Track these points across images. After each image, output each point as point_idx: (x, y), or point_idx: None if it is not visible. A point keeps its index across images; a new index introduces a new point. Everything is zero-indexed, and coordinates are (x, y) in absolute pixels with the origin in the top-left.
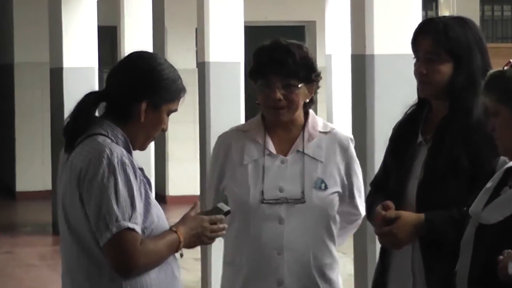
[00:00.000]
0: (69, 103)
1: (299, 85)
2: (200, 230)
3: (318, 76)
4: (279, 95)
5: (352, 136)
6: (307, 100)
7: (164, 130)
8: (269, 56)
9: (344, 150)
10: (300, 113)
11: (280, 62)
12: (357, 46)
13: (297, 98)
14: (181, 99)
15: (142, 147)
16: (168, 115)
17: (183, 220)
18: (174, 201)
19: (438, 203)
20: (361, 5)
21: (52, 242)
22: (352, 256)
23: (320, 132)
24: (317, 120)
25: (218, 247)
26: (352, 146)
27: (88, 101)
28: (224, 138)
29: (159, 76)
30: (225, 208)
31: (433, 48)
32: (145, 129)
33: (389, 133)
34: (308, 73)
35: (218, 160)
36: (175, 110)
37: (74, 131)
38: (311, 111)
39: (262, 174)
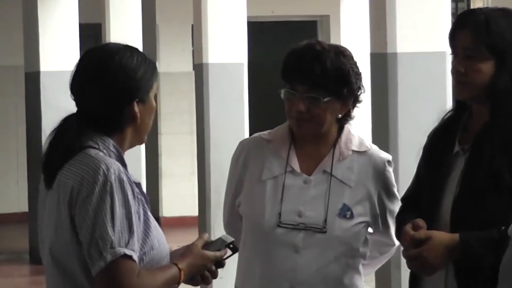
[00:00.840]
0: (47, 113)
1: (326, 99)
2: (202, 269)
3: (354, 91)
4: (301, 106)
5: (390, 158)
6: (340, 115)
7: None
8: (296, 62)
9: (379, 174)
10: (331, 128)
11: (306, 70)
12: (377, 43)
13: (322, 113)
14: (158, 74)
15: (143, 141)
16: (155, 98)
17: (188, 253)
18: (168, 223)
19: (475, 222)
20: None
21: (29, 272)
22: (373, 284)
23: (354, 151)
24: (352, 138)
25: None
26: (389, 170)
27: (68, 126)
28: (246, 145)
29: (131, 69)
30: (229, 239)
31: (472, 44)
32: (143, 125)
33: (414, 141)
34: (339, 86)
35: (237, 170)
36: (157, 88)
37: (54, 163)
38: (347, 127)
39: (281, 193)
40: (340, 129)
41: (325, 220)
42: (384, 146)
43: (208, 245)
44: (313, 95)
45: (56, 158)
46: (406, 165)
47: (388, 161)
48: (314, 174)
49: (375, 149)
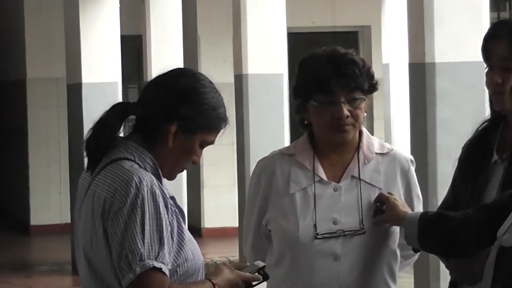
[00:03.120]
0: (89, 124)
1: (365, 99)
2: (235, 286)
3: (374, 89)
4: (346, 111)
5: (412, 157)
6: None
7: (194, 163)
8: (332, 67)
9: (404, 173)
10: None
11: (346, 73)
12: (416, 53)
13: (361, 113)
14: (221, 131)
15: (170, 176)
16: (202, 147)
17: (220, 271)
18: (210, 234)
19: None
20: (419, 7)
21: (72, 282)
22: None
23: (377, 153)
24: (372, 140)
25: None
26: (412, 169)
27: (114, 113)
28: (266, 163)
29: (198, 98)
30: (260, 264)
31: (509, 54)
32: (173, 156)
33: (452, 151)
34: (370, 84)
35: (260, 190)
36: (212, 143)
37: (96, 148)
38: (364, 130)
39: (313, 204)
40: (359, 133)
41: (361, 221)
42: (423, 155)
43: (239, 268)
44: (354, 97)
45: (98, 143)
46: (444, 174)
47: (411, 160)
48: (343, 180)
49: (397, 149)
